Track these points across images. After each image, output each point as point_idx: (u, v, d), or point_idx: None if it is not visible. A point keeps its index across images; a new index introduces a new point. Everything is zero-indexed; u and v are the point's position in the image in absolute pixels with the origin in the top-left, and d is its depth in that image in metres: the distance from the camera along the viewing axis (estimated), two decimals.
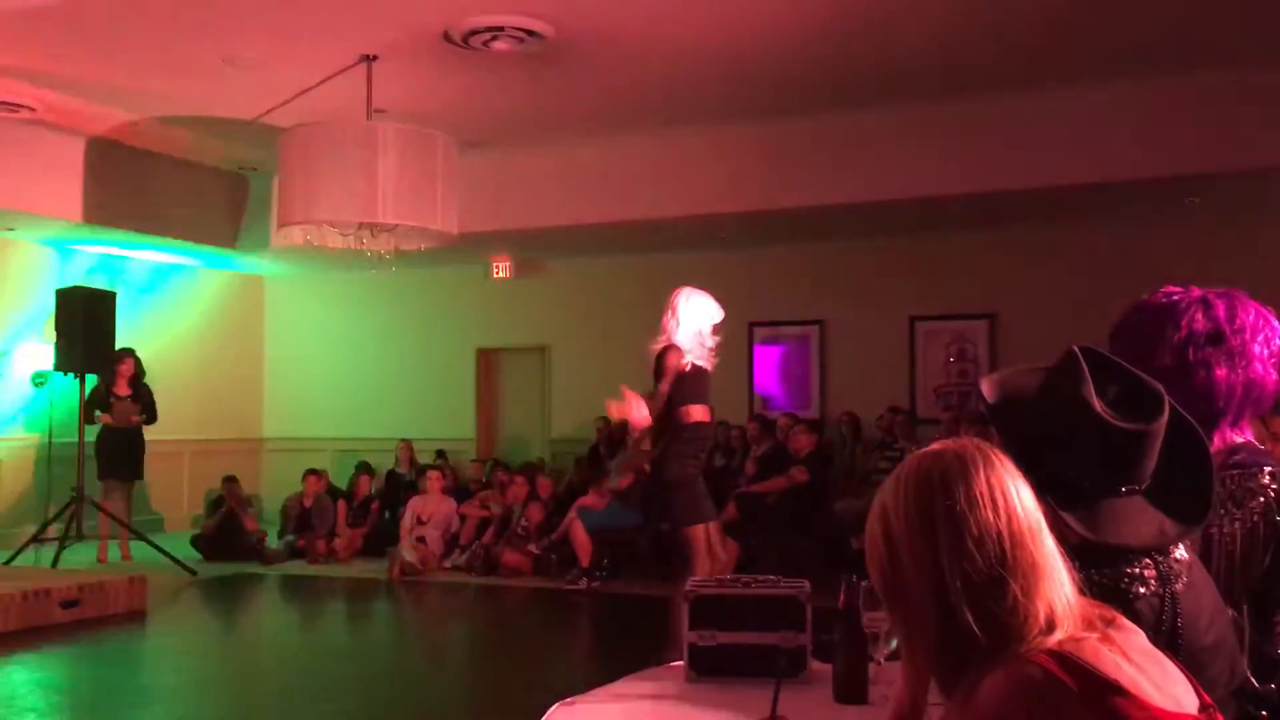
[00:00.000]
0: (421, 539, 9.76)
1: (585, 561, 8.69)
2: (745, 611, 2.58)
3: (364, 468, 11.29)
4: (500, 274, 11.91)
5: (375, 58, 7.33)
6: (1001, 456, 1.49)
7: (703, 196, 9.24)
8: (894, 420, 9.57)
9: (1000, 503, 1.44)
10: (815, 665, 2.55)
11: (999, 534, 1.42)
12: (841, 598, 2.37)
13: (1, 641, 6.58)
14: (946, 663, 1.45)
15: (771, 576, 2.68)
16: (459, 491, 10.57)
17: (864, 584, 2.39)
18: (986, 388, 1.81)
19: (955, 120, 8.36)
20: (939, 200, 8.78)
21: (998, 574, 1.41)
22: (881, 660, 2.36)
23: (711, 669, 2.55)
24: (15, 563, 8.71)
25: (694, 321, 5.80)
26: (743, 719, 2.20)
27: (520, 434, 12.36)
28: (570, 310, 11.82)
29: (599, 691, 2.42)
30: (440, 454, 11.54)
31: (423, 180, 7.71)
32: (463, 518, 10.05)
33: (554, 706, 2.26)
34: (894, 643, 2.49)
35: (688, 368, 5.68)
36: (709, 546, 5.52)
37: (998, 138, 8.28)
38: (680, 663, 2.61)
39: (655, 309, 11.26)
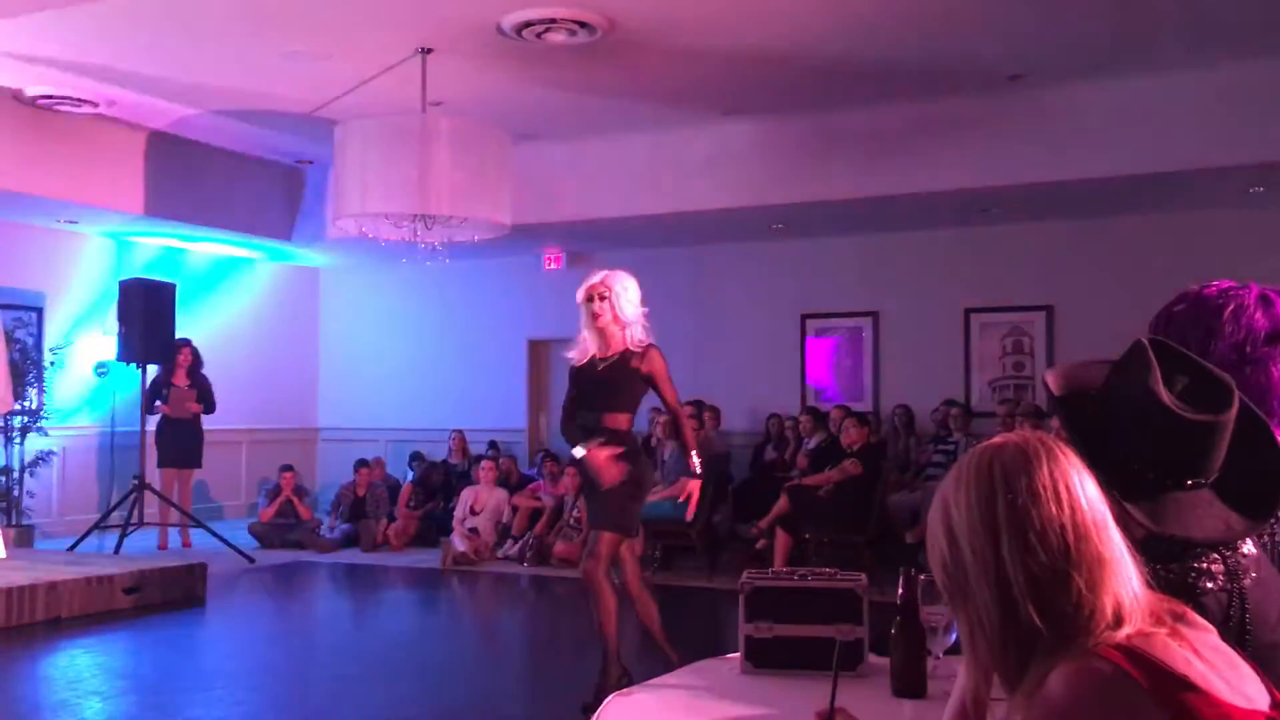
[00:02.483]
0: (474, 529, 9.83)
1: (637, 553, 8.69)
2: (802, 604, 2.57)
3: (417, 458, 11.40)
4: (550, 266, 11.95)
5: (430, 51, 7.37)
6: (1065, 449, 1.47)
7: (755, 188, 9.21)
8: (948, 413, 9.49)
9: (1064, 496, 1.42)
10: (872, 659, 2.53)
11: (1062, 528, 1.40)
12: (900, 591, 2.35)
13: (66, 626, 6.73)
14: (1010, 657, 1.44)
15: (828, 569, 2.67)
16: (509, 481, 10.63)
17: (922, 577, 2.37)
18: (1052, 379, 1.79)
19: (1011, 111, 8.26)
20: (994, 191, 8.68)
21: (1062, 568, 1.39)
22: (940, 654, 2.34)
23: (767, 661, 2.54)
24: (78, 549, 8.90)
25: (636, 300, 4.93)
26: (799, 712, 2.19)
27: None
28: None
29: (654, 682, 2.42)
30: (492, 444, 11.61)
31: (476, 172, 7.75)
32: (514, 508, 10.11)
33: (610, 697, 2.27)
34: (953, 637, 2.47)
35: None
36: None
37: (1055, 128, 8.17)
38: (736, 655, 2.61)
39: (706, 300, 11.36)
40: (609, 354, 4.83)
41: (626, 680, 4.72)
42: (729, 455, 9.92)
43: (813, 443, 9.25)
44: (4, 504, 9.53)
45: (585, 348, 4.89)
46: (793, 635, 2.56)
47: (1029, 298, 10.07)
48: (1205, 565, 1.67)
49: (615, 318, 4.80)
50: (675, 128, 9.27)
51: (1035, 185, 8.48)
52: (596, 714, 2.18)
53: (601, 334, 4.82)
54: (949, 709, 1.74)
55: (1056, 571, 1.39)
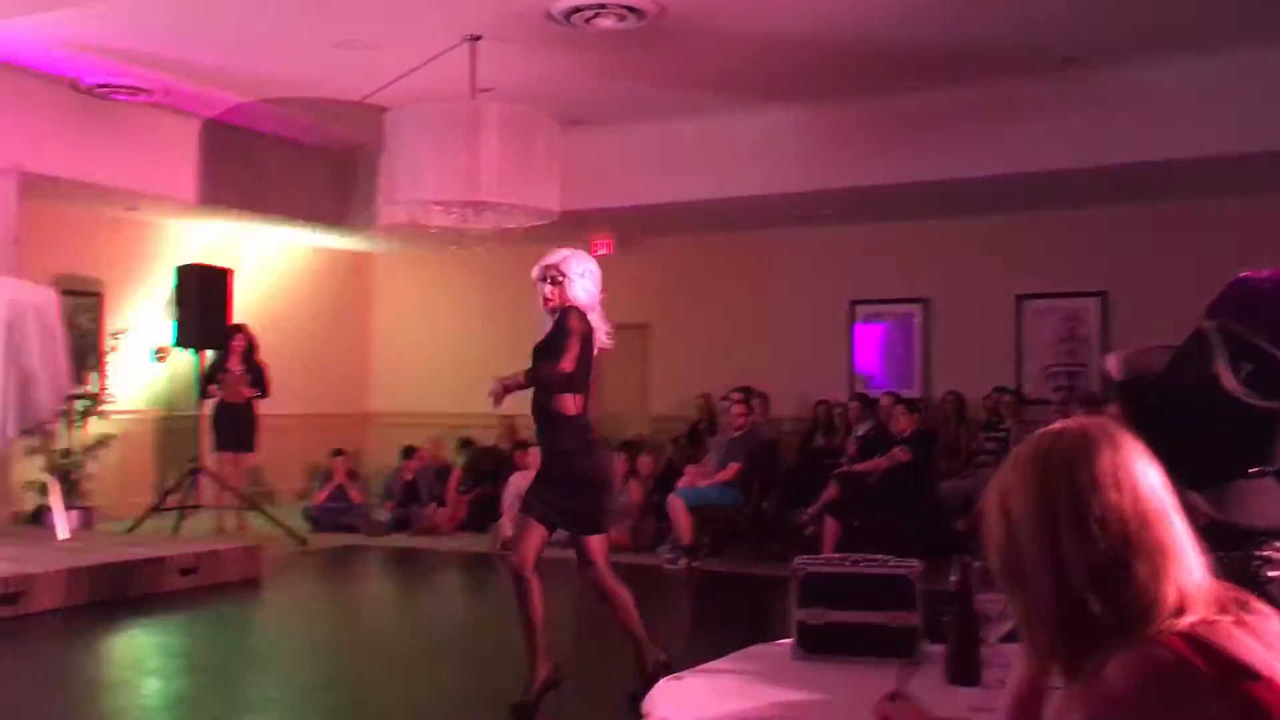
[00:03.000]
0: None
1: (685, 539, 8.71)
2: (855, 590, 2.57)
3: (467, 443, 11.48)
4: (600, 252, 11.97)
5: (479, 37, 7.39)
6: (1126, 436, 1.46)
7: (804, 173, 9.15)
8: (1000, 400, 9.39)
9: (1125, 483, 1.41)
10: (926, 646, 2.53)
11: (1123, 516, 1.39)
12: (954, 578, 2.34)
13: (125, 606, 6.86)
14: (1068, 645, 1.43)
15: (881, 556, 2.66)
16: None
17: (977, 564, 2.36)
18: (1114, 365, 1.77)
19: (1064, 94, 8.13)
20: (1048, 175, 8.56)
21: (1123, 556, 1.38)
22: (994, 642, 2.32)
23: (820, 647, 2.54)
24: (137, 531, 9.08)
25: (592, 288, 4.62)
26: (852, 698, 2.19)
27: (620, 412, 12.42)
28: (670, 288, 11.82)
29: (706, 667, 2.43)
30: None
31: (525, 159, 7.77)
32: None
33: (661, 680, 2.28)
34: (1008, 624, 2.45)
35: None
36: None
37: (1110, 111, 8.03)
38: (787, 641, 2.61)
39: (754, 287, 11.32)
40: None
41: (665, 666, 4.59)
42: (777, 442, 9.89)
43: (862, 430, 9.20)
44: (66, 486, 9.72)
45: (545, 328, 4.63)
46: (845, 621, 2.55)
47: (1083, 284, 9.92)
48: (1268, 553, 1.65)
49: (564, 302, 4.50)
50: (724, 113, 9.23)
51: (1089, 170, 8.35)
52: (649, 697, 2.19)
53: (552, 316, 4.55)
54: (1005, 697, 1.73)
55: (1117, 560, 1.38)
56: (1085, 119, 8.11)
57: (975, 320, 10.34)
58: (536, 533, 4.50)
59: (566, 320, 4.46)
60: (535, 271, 4.57)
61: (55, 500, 8.22)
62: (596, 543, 4.55)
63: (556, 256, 4.56)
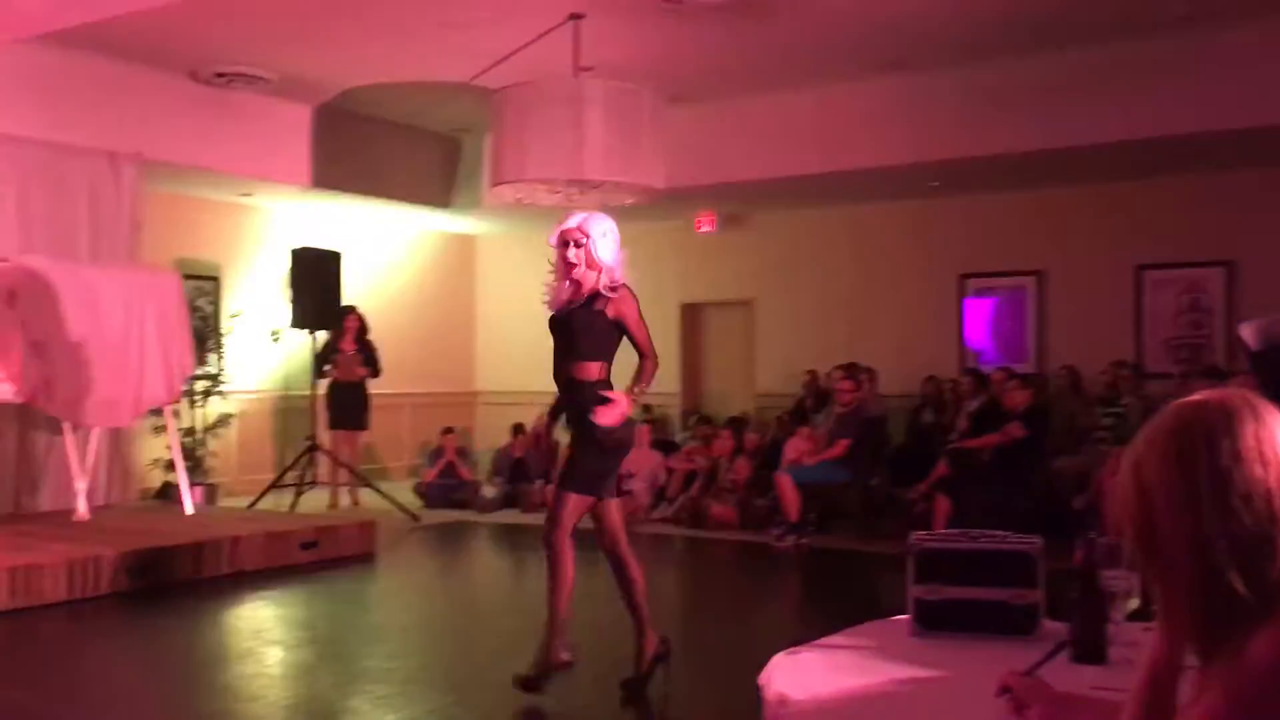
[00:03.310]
0: (629, 491, 9.94)
1: (793, 517, 8.66)
2: (974, 567, 2.52)
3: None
4: (704, 229, 11.92)
5: (582, 16, 7.40)
6: (1269, 407, 1.40)
7: (912, 144, 8.98)
8: (1118, 375, 9.10)
9: (1270, 457, 1.35)
10: (1047, 624, 2.47)
11: (1268, 491, 1.34)
12: (1078, 555, 2.28)
13: (248, 579, 7.09)
14: (1208, 624, 1.38)
15: (1000, 532, 2.61)
16: (665, 445, 10.72)
17: (1102, 541, 2.30)
18: (1249, 334, 1.70)
19: (1187, 55, 7.82)
20: (1170, 140, 8.24)
21: (1267, 532, 1.33)
22: (1120, 620, 2.26)
23: (937, 624, 2.50)
24: (256, 507, 9.38)
25: (614, 247, 4.55)
26: (972, 676, 2.15)
27: (724, 389, 12.40)
28: (776, 264, 11.73)
29: (822, 642, 2.41)
30: (646, 408, 11.70)
31: (629, 136, 7.77)
32: (669, 471, 10.19)
33: (777, 655, 2.27)
34: (1133, 602, 2.38)
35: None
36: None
37: (1235, 72, 7.70)
38: (903, 617, 2.58)
39: (861, 261, 11.17)
40: (578, 300, 4.49)
41: (565, 664, 4.53)
42: (885, 418, 9.76)
43: (973, 405, 9.02)
44: (189, 463, 10.09)
45: (558, 296, 4.55)
46: (963, 598, 2.51)
47: (1207, 253, 9.55)
48: None
49: (590, 264, 4.44)
50: (830, 85, 9.10)
51: (1213, 133, 8.02)
52: (765, 671, 2.18)
53: (576, 282, 4.49)
54: (1137, 676, 1.68)
55: (1262, 536, 1.33)
56: (1210, 80, 7.80)
57: (1091, 292, 10.04)
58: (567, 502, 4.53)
59: (629, 304, 4.49)
60: (553, 239, 4.49)
61: (181, 477, 8.53)
62: (572, 503, 4.49)
63: (576, 220, 4.49)
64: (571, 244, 4.43)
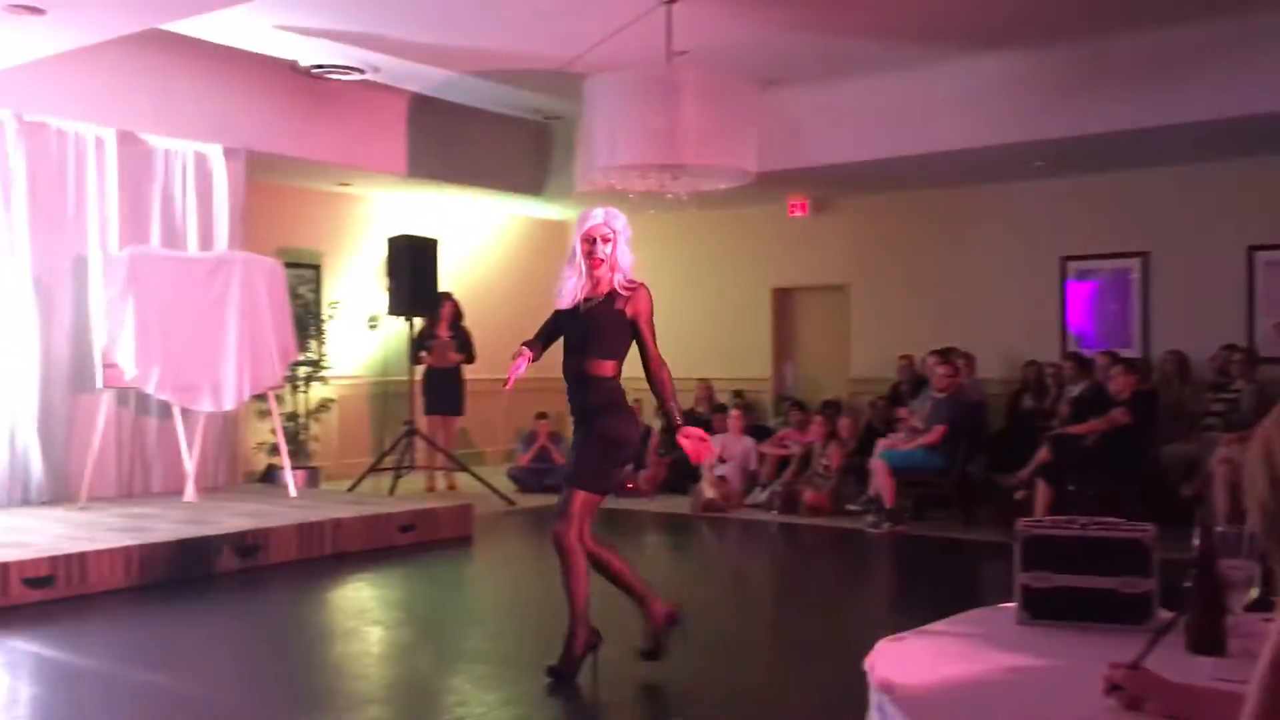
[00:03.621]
0: (722, 477, 9.93)
1: (888, 503, 8.57)
2: (1083, 554, 2.45)
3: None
4: (796, 213, 11.83)
5: (674, 0, 7.38)
6: None
7: (1013, 124, 8.77)
8: (1229, 359, 8.81)
9: None
10: (1161, 614, 2.40)
11: None
12: (1196, 543, 2.21)
13: (350, 560, 7.26)
14: None
15: (1110, 518, 2.54)
16: (758, 430, 10.68)
17: (1220, 530, 2.22)
18: None
19: None
20: None
21: None
22: (1240, 610, 2.19)
23: (1045, 612, 2.45)
24: (357, 490, 9.58)
25: (573, 248, 4.53)
26: (1082, 665, 2.10)
27: (817, 374, 12.30)
28: (869, 248, 11.59)
29: (927, 629, 2.38)
30: (737, 394, 11.67)
31: (722, 120, 7.73)
32: (762, 456, 10.15)
33: (881, 641, 2.24)
34: (1253, 592, 2.30)
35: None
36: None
37: None
38: (1009, 605, 2.53)
39: (959, 244, 10.97)
40: (595, 296, 4.47)
41: (597, 641, 4.56)
42: (984, 404, 9.59)
43: (1076, 390, 8.80)
44: (292, 447, 10.34)
45: (570, 289, 4.51)
46: (1073, 586, 2.45)
47: None
48: None
49: (613, 262, 4.44)
50: (926, 65, 8.94)
51: None
52: (869, 657, 2.16)
53: (596, 279, 4.48)
54: (1261, 666, 1.62)
55: None
56: None
57: (1200, 274, 9.72)
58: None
59: (647, 303, 4.50)
60: (581, 235, 4.44)
61: (285, 460, 8.75)
62: (581, 499, 4.47)
63: (601, 215, 4.47)
64: (599, 240, 4.43)
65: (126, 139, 8.53)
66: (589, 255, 4.43)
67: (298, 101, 9.41)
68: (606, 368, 4.48)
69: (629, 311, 4.47)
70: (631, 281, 4.49)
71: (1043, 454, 8.18)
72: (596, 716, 4.29)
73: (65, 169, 8.25)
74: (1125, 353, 9.30)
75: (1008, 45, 8.43)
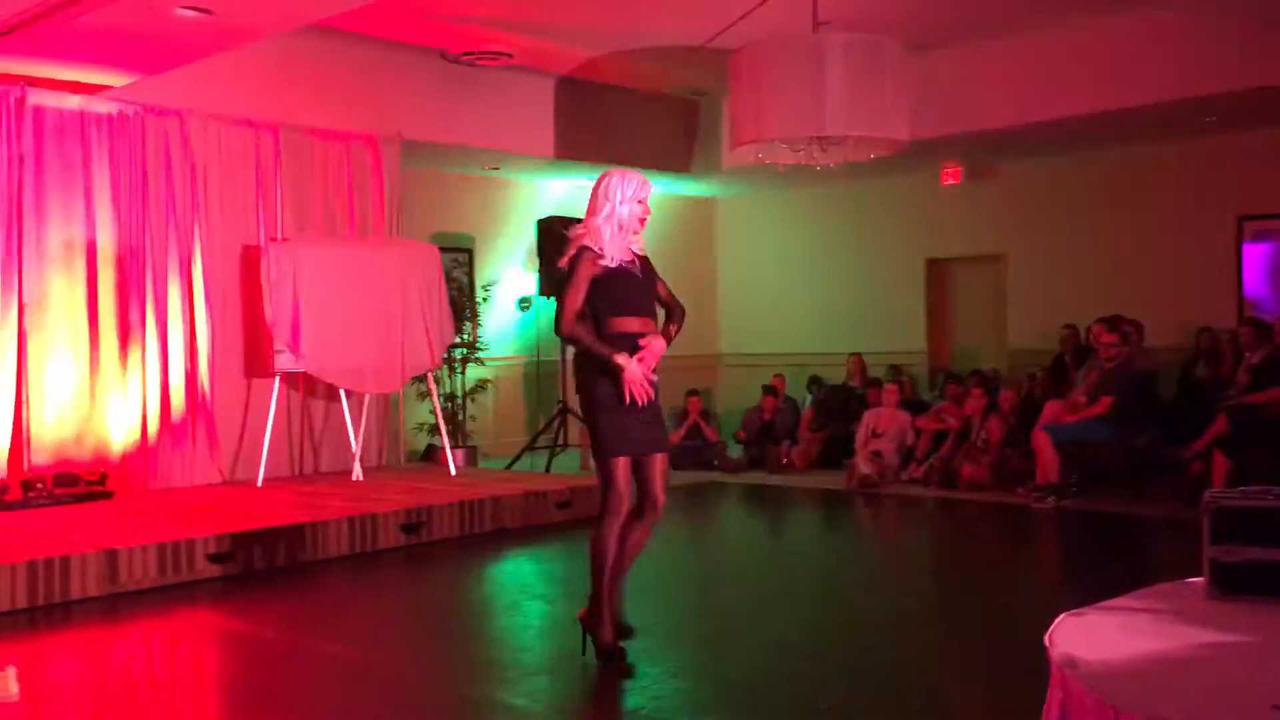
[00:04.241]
0: (877, 452, 9.78)
1: (1053, 477, 8.29)
2: (1276, 526, 2.32)
3: (815, 381, 11.48)
4: (949, 181, 11.52)
5: None
6: None
7: (1185, 79, 8.34)
8: None
9: None
10: None
11: None
12: None
13: (510, 536, 7.42)
14: None
15: None
16: (913, 404, 10.47)
17: None
18: None
19: None
20: None
21: None
22: None
23: (1237, 587, 2.33)
24: (514, 468, 9.77)
25: (612, 208, 4.50)
26: (1274, 640, 1.99)
27: (973, 346, 11.98)
28: (1027, 215, 11.21)
29: (1110, 604, 2.29)
30: (892, 367, 11.46)
31: (870, 89, 7.59)
32: (918, 431, 9.95)
33: (1062, 615, 2.17)
34: None
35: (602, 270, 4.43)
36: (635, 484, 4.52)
37: None
38: (1197, 580, 2.41)
39: (1125, 207, 10.51)
40: (631, 259, 4.49)
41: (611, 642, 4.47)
42: (1155, 373, 9.17)
43: (1256, 358, 8.34)
44: (450, 427, 10.62)
45: (620, 248, 4.45)
46: (1266, 559, 2.32)
47: None
48: None
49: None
50: (1082, 20, 8.56)
51: None
52: (1050, 632, 2.09)
53: (634, 240, 4.52)
54: None
55: None
56: None
57: None
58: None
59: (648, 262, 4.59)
60: (642, 197, 4.50)
61: (445, 440, 9.00)
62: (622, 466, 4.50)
63: (639, 177, 4.56)
64: (647, 202, 4.51)
65: (287, 131, 8.86)
66: (638, 219, 4.50)
67: (448, 88, 9.61)
68: (652, 325, 4.61)
69: (656, 272, 4.64)
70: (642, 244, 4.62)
71: (1220, 424, 7.79)
72: (755, 689, 4.27)
73: (233, 162, 8.62)
74: None
75: None
